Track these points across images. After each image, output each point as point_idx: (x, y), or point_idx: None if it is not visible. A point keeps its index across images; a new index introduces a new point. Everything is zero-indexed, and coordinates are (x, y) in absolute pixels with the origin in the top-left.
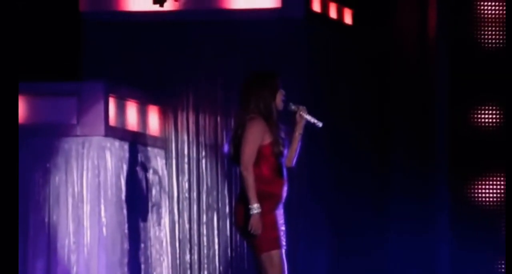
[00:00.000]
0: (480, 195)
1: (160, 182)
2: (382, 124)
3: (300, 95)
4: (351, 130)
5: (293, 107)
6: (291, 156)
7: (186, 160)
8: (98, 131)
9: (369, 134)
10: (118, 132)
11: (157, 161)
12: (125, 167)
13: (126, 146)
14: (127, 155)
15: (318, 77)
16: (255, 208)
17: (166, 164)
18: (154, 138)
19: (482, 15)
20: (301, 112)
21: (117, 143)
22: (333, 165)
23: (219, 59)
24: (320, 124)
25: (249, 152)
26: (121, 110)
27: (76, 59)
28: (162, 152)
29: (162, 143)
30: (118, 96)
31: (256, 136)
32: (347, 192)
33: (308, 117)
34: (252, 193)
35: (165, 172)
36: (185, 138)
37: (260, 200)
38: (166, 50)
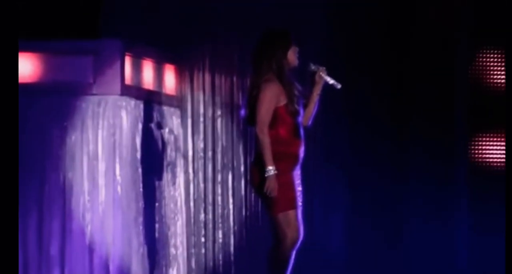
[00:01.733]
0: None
1: (175, 141)
2: (402, 88)
3: (317, 55)
4: (369, 93)
5: (313, 67)
6: (307, 115)
7: (201, 119)
8: (114, 91)
9: (388, 98)
10: (134, 91)
11: (173, 120)
12: (140, 126)
13: (141, 105)
14: (142, 114)
15: (337, 38)
16: (271, 170)
17: (181, 123)
18: (170, 97)
19: None
20: (320, 73)
21: (132, 102)
22: (349, 127)
23: (234, 20)
24: (339, 86)
25: (264, 114)
26: (137, 69)
27: (94, 17)
28: (177, 111)
29: (177, 102)
30: (135, 55)
31: (271, 98)
32: (363, 155)
33: (328, 78)
34: (268, 155)
35: (181, 131)
36: (201, 97)
37: (277, 161)
38: (185, 10)
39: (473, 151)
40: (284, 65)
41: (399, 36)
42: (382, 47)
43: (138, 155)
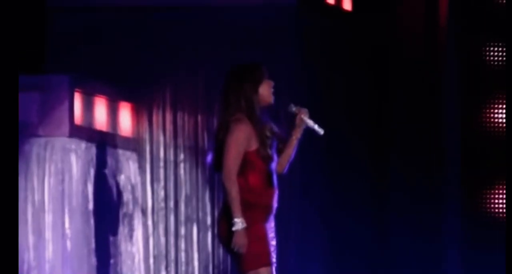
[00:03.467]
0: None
1: (132, 189)
2: (381, 125)
3: (290, 91)
4: (347, 131)
5: (293, 109)
6: (284, 161)
7: (162, 164)
8: (63, 132)
9: (367, 136)
10: (85, 133)
11: (129, 165)
12: (92, 172)
13: (93, 148)
14: (94, 158)
15: (311, 70)
16: (239, 223)
17: (139, 168)
18: (126, 139)
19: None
20: (302, 116)
21: (83, 145)
22: (327, 170)
23: (200, 50)
24: (321, 131)
25: (232, 159)
26: (88, 107)
27: (39, 50)
28: (134, 155)
29: (134, 144)
30: (85, 91)
31: (240, 141)
32: (343, 199)
33: (310, 122)
34: (235, 206)
35: (138, 178)
36: (161, 139)
37: (247, 211)
38: (140, 39)
39: (467, 197)
40: (254, 103)
41: (379, 67)
42: (361, 83)
43: (90, 205)
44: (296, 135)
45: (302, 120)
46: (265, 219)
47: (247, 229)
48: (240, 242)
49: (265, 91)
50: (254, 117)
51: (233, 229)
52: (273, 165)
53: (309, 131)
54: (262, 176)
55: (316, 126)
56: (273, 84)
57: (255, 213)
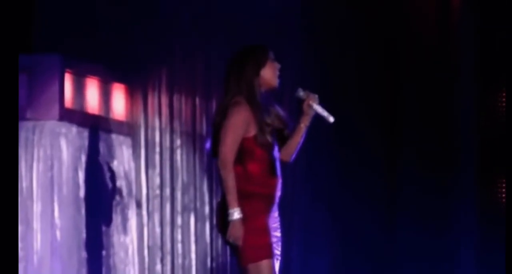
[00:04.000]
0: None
1: (126, 176)
2: (393, 115)
3: (295, 76)
4: (357, 120)
5: (301, 93)
6: (290, 150)
7: (157, 150)
8: (52, 115)
9: (378, 125)
10: (76, 116)
11: (123, 151)
12: (83, 158)
13: (85, 133)
14: (86, 143)
15: (318, 57)
16: (235, 213)
17: (133, 154)
18: (119, 123)
19: None
20: (310, 102)
21: (74, 129)
22: (335, 158)
23: (198, 31)
24: (331, 119)
25: (228, 145)
26: (79, 89)
27: (27, 29)
28: (128, 140)
29: (128, 129)
30: (76, 72)
31: (238, 126)
32: (351, 189)
33: (319, 108)
34: (231, 195)
35: (132, 165)
36: (157, 123)
37: (246, 201)
38: (135, 18)
39: (482, 193)
40: (254, 86)
41: (392, 60)
42: (373, 70)
43: (81, 193)
44: (305, 123)
45: (310, 106)
46: (267, 210)
47: (245, 220)
48: (235, 234)
49: (268, 74)
50: (253, 102)
51: (229, 219)
52: (276, 153)
53: (317, 118)
54: (263, 164)
55: (325, 114)
56: (278, 67)
57: (255, 203)
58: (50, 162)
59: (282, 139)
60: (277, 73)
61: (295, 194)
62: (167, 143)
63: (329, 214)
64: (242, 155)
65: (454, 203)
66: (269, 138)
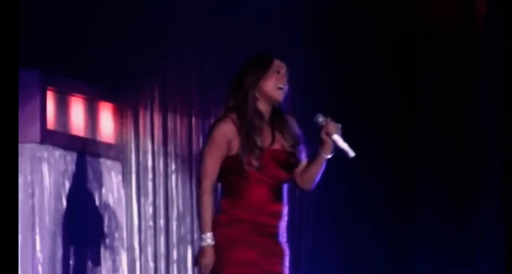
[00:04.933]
0: None
1: (115, 205)
2: (405, 127)
3: (297, 87)
4: (368, 129)
5: (320, 119)
6: (308, 178)
7: (150, 175)
8: (32, 137)
9: (390, 135)
10: (59, 138)
11: (111, 177)
12: (67, 185)
13: (69, 157)
14: (70, 168)
15: (323, 64)
16: (207, 239)
17: (123, 181)
18: (107, 146)
19: None
20: (330, 130)
21: (57, 153)
22: (344, 174)
23: (193, 39)
24: (352, 153)
25: (204, 164)
26: (63, 109)
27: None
28: (118, 165)
29: (117, 152)
30: (59, 90)
31: (216, 143)
32: (362, 207)
33: (339, 140)
34: (204, 219)
35: (122, 192)
36: (149, 146)
37: (227, 227)
38: (122, 29)
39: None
40: (248, 100)
41: (406, 61)
42: (385, 73)
43: (65, 224)
44: (325, 152)
45: (329, 135)
46: (254, 240)
47: (222, 250)
48: (203, 262)
49: (268, 86)
50: (243, 117)
51: (200, 244)
52: (279, 175)
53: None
54: (256, 187)
55: (346, 147)
56: (283, 80)
57: (239, 231)
58: (30, 190)
59: (292, 163)
60: (280, 85)
61: (303, 215)
62: (160, 167)
63: (336, 233)
64: (230, 174)
65: (477, 229)
66: (254, 160)
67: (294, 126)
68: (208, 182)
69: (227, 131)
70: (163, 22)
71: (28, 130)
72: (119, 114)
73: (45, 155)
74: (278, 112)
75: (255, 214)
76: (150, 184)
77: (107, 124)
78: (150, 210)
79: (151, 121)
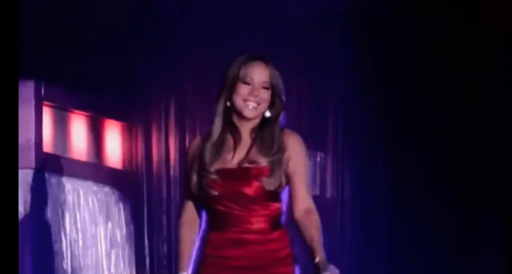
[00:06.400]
0: None
1: (123, 242)
2: (460, 150)
3: (336, 108)
4: (415, 157)
5: (317, 260)
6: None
7: (164, 207)
8: (26, 161)
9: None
10: (57, 163)
11: (120, 209)
12: (67, 217)
13: (69, 185)
14: (70, 198)
15: (363, 77)
16: None
17: (133, 213)
18: (114, 172)
19: None
20: None
21: (54, 180)
22: (391, 203)
23: (213, 52)
24: None
25: (185, 190)
26: (62, 127)
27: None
28: (127, 195)
29: (126, 179)
30: (58, 105)
31: (188, 164)
32: (412, 236)
33: None
34: (181, 254)
35: (131, 227)
36: (163, 171)
37: (201, 265)
38: (132, 31)
39: None
40: (216, 113)
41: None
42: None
43: (65, 264)
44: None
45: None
46: None
47: None
48: None
49: (235, 98)
50: (208, 135)
51: None
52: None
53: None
54: (220, 215)
55: None
56: (254, 93)
57: (208, 268)
58: (24, 224)
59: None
60: (249, 97)
61: (344, 235)
62: (176, 197)
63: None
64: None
65: None
66: (207, 187)
67: (277, 138)
68: (187, 209)
69: (192, 151)
70: (179, 25)
71: (21, 153)
72: (128, 135)
73: (41, 182)
74: (269, 123)
75: (224, 250)
76: (164, 217)
77: (113, 146)
78: (164, 248)
79: (166, 143)
